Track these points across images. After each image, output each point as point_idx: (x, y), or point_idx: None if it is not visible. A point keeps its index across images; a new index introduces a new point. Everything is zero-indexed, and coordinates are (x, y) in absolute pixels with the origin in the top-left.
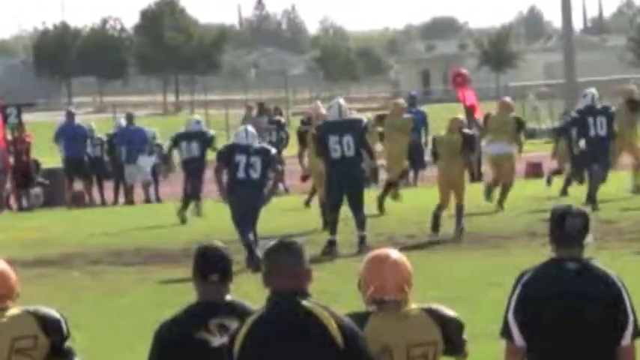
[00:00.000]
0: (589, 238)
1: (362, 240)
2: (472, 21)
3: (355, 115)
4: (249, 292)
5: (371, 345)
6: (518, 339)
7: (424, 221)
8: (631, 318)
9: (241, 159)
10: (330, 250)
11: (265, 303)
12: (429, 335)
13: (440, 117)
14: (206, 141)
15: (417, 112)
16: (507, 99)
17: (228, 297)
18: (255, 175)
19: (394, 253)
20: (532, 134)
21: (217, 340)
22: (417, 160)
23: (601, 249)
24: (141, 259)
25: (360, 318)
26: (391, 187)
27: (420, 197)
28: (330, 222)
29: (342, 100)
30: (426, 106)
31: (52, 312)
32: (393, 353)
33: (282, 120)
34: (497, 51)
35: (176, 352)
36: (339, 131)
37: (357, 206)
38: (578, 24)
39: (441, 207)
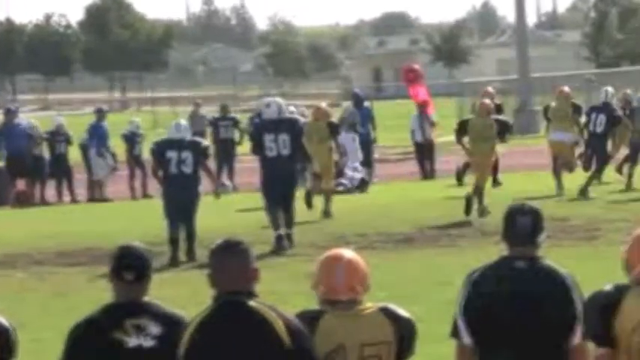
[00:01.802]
0: (542, 237)
1: (289, 238)
2: (424, 16)
3: (293, 115)
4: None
5: (324, 344)
6: (468, 338)
7: (375, 220)
8: (582, 317)
9: (173, 155)
10: (280, 246)
11: (211, 303)
12: (382, 335)
13: (392, 113)
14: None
15: (364, 108)
16: (566, 88)
17: (146, 298)
18: (187, 170)
19: (348, 254)
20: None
21: (133, 341)
22: (365, 159)
23: (554, 247)
24: (88, 259)
25: (313, 316)
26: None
27: (371, 195)
28: (271, 219)
29: (279, 99)
30: (377, 103)
31: (2, 320)
32: (346, 352)
33: (237, 117)
34: (450, 46)
35: (90, 353)
36: (275, 130)
37: (287, 205)
38: (531, 19)
39: (476, 189)
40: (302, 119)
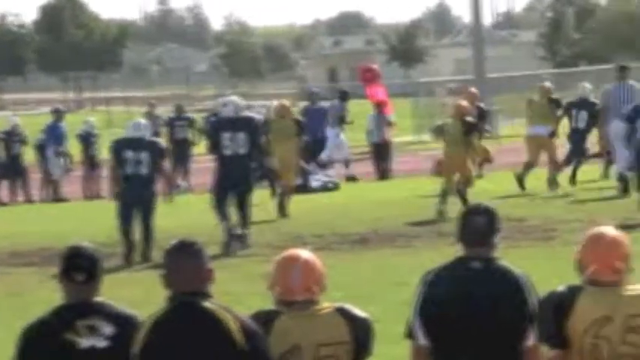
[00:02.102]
0: (498, 237)
1: (244, 238)
2: (379, 16)
3: (250, 113)
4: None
5: (280, 344)
6: (423, 339)
7: (332, 220)
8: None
9: (130, 155)
10: (231, 244)
11: (165, 304)
12: (339, 335)
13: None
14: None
15: (320, 108)
16: (547, 84)
17: (98, 298)
18: (143, 170)
19: (304, 254)
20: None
21: (85, 342)
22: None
23: (510, 247)
24: (42, 259)
25: (268, 317)
26: (285, 194)
27: (328, 195)
28: (222, 218)
29: (237, 97)
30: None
31: None
32: (302, 352)
33: (193, 117)
34: (406, 46)
35: (43, 355)
36: (232, 128)
37: (243, 204)
38: (487, 19)
39: (445, 193)
40: (258, 117)
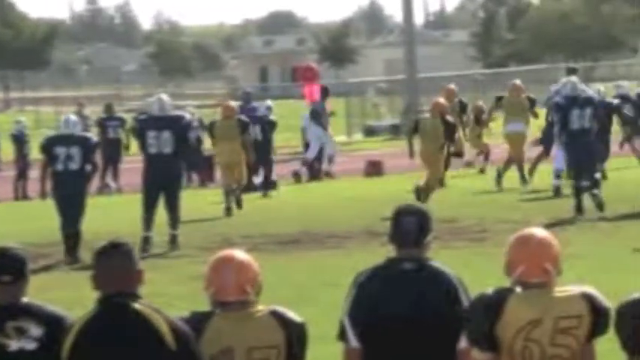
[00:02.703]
0: (430, 238)
1: (173, 239)
2: (311, 16)
3: (178, 112)
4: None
5: (212, 346)
6: (355, 341)
7: (262, 222)
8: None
9: (61, 151)
10: (144, 247)
11: (95, 306)
12: (272, 338)
13: (278, 113)
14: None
15: (252, 108)
16: (517, 81)
17: (25, 299)
18: (74, 166)
19: (239, 255)
20: (372, 131)
21: (14, 344)
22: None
23: (442, 248)
24: None
25: (202, 318)
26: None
27: (257, 196)
28: (144, 218)
29: (164, 96)
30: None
31: None
32: (234, 355)
33: (124, 117)
34: (337, 46)
35: None
36: (158, 127)
37: (171, 205)
38: (419, 19)
39: (426, 187)
40: (188, 115)
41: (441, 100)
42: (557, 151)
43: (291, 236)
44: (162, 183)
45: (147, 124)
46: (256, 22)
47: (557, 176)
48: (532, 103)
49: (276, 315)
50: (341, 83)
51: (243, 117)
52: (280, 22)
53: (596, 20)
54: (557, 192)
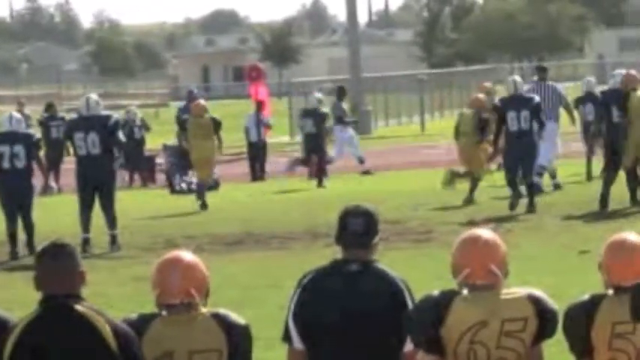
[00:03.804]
0: (376, 239)
1: (113, 239)
2: (254, 15)
3: (105, 112)
4: None
5: (153, 349)
6: (299, 343)
7: (206, 222)
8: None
9: (5, 149)
10: (84, 249)
11: (37, 307)
12: (213, 342)
13: (221, 113)
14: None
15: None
16: (487, 84)
17: None
18: (19, 164)
19: (186, 256)
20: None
21: None
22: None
23: (387, 250)
24: None
25: (145, 320)
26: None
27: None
28: (81, 220)
29: (93, 95)
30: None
31: None
32: (174, 359)
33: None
34: (280, 46)
35: None
36: (85, 128)
37: (105, 205)
38: (363, 18)
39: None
40: (116, 115)
41: (481, 95)
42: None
43: (234, 237)
44: (93, 184)
45: (75, 125)
46: (198, 21)
47: (539, 174)
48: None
49: (217, 318)
50: (284, 83)
51: (216, 116)
52: (222, 21)
53: (541, 20)
54: (537, 189)
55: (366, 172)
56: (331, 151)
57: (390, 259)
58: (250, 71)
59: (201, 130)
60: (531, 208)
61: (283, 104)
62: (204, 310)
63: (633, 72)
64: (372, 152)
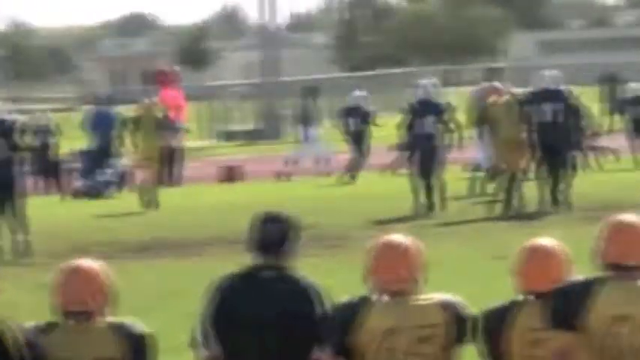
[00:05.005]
0: (293, 246)
1: (23, 246)
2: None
3: (6, 116)
4: None
5: (52, 358)
6: (211, 349)
7: (115, 228)
8: (328, 329)
9: None
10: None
11: None
12: (113, 351)
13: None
14: None
15: (104, 111)
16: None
17: None
18: None
19: (86, 264)
20: (231, 136)
21: None
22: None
23: (302, 256)
24: None
25: (44, 329)
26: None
27: (114, 202)
28: None
29: None
30: (121, 107)
31: None
32: None
33: None
34: (194, 49)
35: None
36: None
37: (13, 211)
38: (280, 21)
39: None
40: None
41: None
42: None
43: (143, 243)
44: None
45: None
46: (111, 25)
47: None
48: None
49: (118, 327)
50: (199, 87)
51: (165, 116)
52: (136, 25)
53: (460, 23)
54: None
55: (329, 174)
56: (295, 152)
57: (304, 266)
58: (158, 75)
59: (145, 128)
60: (442, 205)
61: (197, 108)
62: (106, 318)
63: (495, 83)
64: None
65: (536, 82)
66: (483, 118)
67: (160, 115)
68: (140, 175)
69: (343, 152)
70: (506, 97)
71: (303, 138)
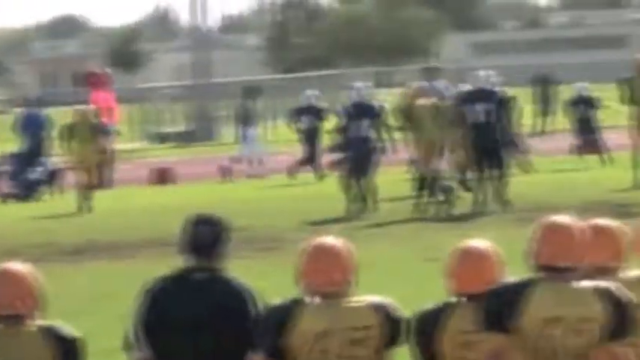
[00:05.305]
0: (225, 248)
1: None
2: (99, 20)
3: None
4: None
5: None
6: (143, 351)
7: (48, 230)
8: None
9: None
10: None
11: None
12: (41, 355)
13: (67, 120)
14: None
15: (34, 113)
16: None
17: None
18: None
19: (14, 267)
20: (163, 138)
21: None
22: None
23: (234, 258)
24: None
25: None
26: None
27: (42, 205)
28: None
29: None
30: (52, 109)
31: None
32: None
33: None
34: (125, 51)
35: None
36: None
37: None
38: (211, 22)
39: None
40: None
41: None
42: None
43: (75, 246)
44: None
45: None
46: (42, 27)
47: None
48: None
49: (47, 331)
50: (130, 89)
51: (99, 121)
52: (67, 27)
53: (392, 24)
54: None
55: (259, 175)
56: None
57: (237, 268)
58: (90, 77)
59: (80, 134)
60: (374, 207)
61: (129, 110)
62: (35, 322)
63: (417, 83)
64: (220, 159)
65: (472, 83)
66: (409, 118)
67: (94, 120)
68: (74, 178)
69: (279, 154)
70: (432, 100)
71: (242, 138)
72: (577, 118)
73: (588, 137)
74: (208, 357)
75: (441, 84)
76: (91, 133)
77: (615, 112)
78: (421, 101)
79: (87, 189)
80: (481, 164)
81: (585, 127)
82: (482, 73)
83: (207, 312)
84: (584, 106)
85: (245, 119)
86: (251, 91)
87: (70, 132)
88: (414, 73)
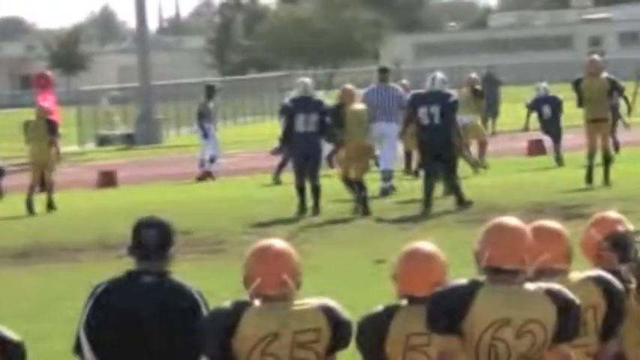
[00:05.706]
0: (172, 251)
1: None
2: (41, 21)
3: None
4: None
5: None
6: (91, 356)
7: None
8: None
9: None
10: None
11: None
12: None
13: (9, 122)
14: None
15: None
16: (473, 75)
17: None
18: None
19: None
20: (105, 141)
21: None
22: None
23: (179, 261)
24: None
25: None
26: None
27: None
28: None
29: None
30: None
31: None
32: None
33: None
34: (68, 53)
35: None
36: None
37: None
38: (153, 24)
39: None
40: None
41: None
42: (384, 152)
43: (21, 249)
44: None
45: None
46: None
47: (387, 178)
48: (481, 95)
49: None
50: (72, 91)
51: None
52: (8, 28)
53: (335, 26)
54: (384, 193)
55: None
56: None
57: (182, 271)
58: (38, 79)
59: (38, 132)
60: (317, 210)
61: (71, 113)
62: None
63: (349, 86)
64: (163, 161)
65: (423, 85)
66: (342, 121)
67: (49, 119)
68: (19, 180)
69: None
70: (361, 105)
71: (202, 136)
72: (543, 119)
73: (554, 137)
74: (159, 359)
75: (397, 85)
76: (48, 131)
77: (572, 113)
78: (355, 106)
79: (41, 188)
80: (430, 165)
81: (551, 127)
82: (431, 75)
83: (157, 313)
84: (548, 106)
85: (207, 118)
86: (213, 90)
87: (29, 130)
88: (353, 75)
